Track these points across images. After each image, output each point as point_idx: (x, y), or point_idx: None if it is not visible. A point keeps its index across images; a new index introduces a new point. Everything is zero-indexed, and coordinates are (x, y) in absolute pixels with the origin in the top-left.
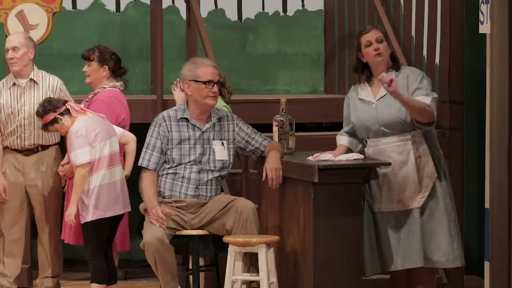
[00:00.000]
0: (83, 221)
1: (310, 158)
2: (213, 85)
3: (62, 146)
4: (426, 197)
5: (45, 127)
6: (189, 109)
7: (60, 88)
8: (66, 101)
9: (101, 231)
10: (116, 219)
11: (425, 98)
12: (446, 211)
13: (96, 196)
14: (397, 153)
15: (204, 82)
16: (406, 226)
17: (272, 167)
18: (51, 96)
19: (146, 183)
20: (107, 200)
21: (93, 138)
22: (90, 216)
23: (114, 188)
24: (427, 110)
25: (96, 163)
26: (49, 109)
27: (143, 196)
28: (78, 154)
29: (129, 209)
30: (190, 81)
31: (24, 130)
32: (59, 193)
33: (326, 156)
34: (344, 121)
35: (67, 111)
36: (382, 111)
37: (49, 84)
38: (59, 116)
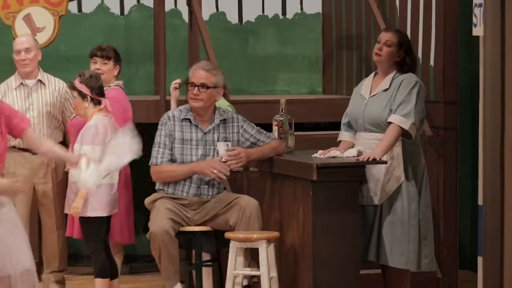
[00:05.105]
0: (81, 214)
1: (316, 155)
2: (195, 88)
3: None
4: (388, 197)
5: (73, 87)
6: (192, 110)
7: (66, 91)
8: (103, 96)
9: (100, 228)
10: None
11: (405, 123)
12: (409, 214)
13: (95, 194)
14: (372, 149)
15: (187, 84)
16: (368, 221)
17: (240, 150)
18: (58, 97)
19: (169, 168)
20: (106, 199)
21: (107, 141)
22: (88, 212)
23: (112, 190)
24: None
25: None
26: (92, 85)
27: (174, 177)
28: (92, 150)
29: (117, 209)
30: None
31: (34, 129)
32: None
33: (335, 153)
34: (346, 111)
35: (98, 103)
36: (369, 108)
37: (56, 86)
38: (90, 97)
